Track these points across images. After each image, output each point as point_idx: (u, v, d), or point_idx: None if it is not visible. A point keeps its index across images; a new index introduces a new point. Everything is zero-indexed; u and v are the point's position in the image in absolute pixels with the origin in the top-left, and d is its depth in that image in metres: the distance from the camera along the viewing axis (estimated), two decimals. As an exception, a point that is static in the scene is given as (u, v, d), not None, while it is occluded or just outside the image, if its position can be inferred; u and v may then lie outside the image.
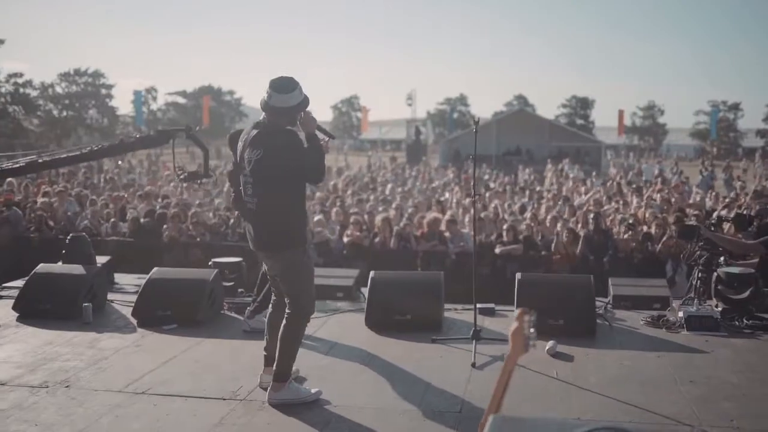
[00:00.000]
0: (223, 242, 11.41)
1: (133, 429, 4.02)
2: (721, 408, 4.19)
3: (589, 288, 5.89)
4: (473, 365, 4.97)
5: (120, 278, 8.05)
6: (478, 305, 6.42)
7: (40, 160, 6.14)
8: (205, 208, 13.46)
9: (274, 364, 4.38)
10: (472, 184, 6.80)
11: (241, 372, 4.91)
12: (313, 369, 4.98)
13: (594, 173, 26.14)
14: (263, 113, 4.35)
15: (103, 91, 58.60)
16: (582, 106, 70.18)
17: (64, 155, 6.31)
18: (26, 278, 6.87)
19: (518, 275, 6.09)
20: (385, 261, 10.32)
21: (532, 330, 2.37)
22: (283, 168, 4.19)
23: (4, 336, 5.87)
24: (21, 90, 50.12)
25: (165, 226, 11.77)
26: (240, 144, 4.44)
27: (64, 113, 56.67)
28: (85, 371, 4.98)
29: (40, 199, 14.22)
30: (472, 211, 12.99)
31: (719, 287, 6.14)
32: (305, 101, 4.32)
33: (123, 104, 77.53)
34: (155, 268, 6.72)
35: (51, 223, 12.60)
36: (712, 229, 6.81)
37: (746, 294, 6.00)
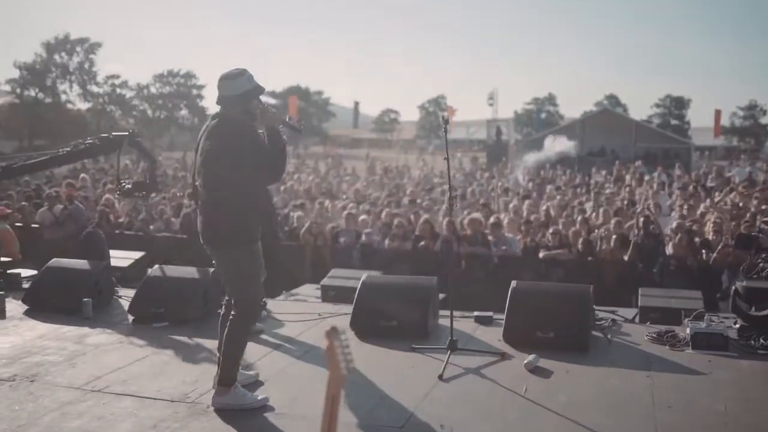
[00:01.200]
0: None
1: (70, 427, 3.99)
2: (691, 438, 3.77)
3: (587, 298, 5.48)
4: (440, 377, 4.70)
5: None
6: (476, 313, 6.18)
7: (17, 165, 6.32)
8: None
9: (219, 370, 4.27)
10: (448, 187, 6.49)
11: (204, 374, 4.82)
12: (276, 374, 4.86)
13: (675, 175, 24.83)
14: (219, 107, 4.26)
15: (194, 91, 60.59)
16: (677, 105, 67.21)
17: (17, 165, 6.47)
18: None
19: (513, 283, 5.74)
20: (427, 264, 10.10)
21: (347, 350, 2.12)
22: (230, 161, 4.06)
23: (5, 328, 6.03)
24: (118, 91, 52.56)
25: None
26: (199, 135, 4.35)
27: (158, 113, 58.94)
28: (57, 366, 5.02)
29: (105, 196, 14.79)
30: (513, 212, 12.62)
31: (738, 302, 5.59)
32: (256, 90, 4.20)
33: (213, 104, 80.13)
34: (155, 266, 6.76)
35: (112, 217, 13.05)
36: None
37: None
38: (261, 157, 4.06)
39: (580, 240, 10.84)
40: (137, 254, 8.80)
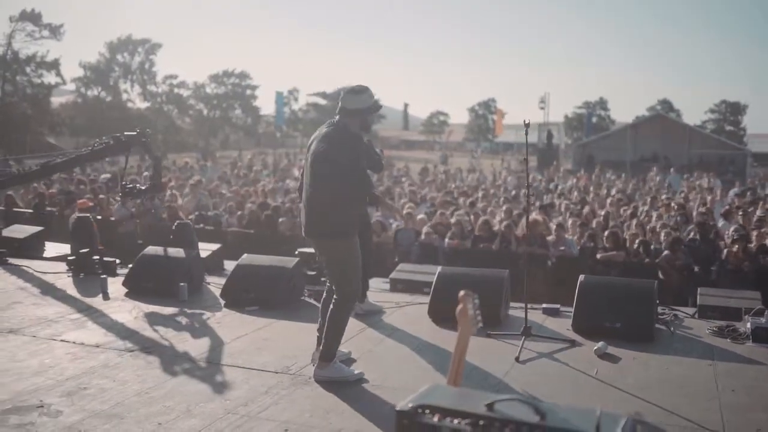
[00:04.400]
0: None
1: (192, 390, 4.53)
2: (752, 417, 4.12)
3: (651, 293, 5.85)
4: (517, 359, 5.13)
5: (230, 265, 8.75)
6: (545, 305, 6.59)
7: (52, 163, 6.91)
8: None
9: (321, 346, 4.77)
10: (526, 185, 6.93)
11: (300, 351, 5.33)
12: (365, 353, 5.34)
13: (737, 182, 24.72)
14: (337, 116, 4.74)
15: (248, 91, 61.81)
16: (732, 111, 65.99)
17: (36, 169, 7.01)
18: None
19: (581, 277, 6.13)
20: (484, 263, 10.48)
21: (477, 311, 2.58)
22: (339, 164, 4.53)
23: (111, 308, 6.65)
24: (175, 90, 54.05)
25: (281, 220, 12.56)
26: (311, 138, 4.86)
27: (213, 113, 60.31)
28: (168, 341, 5.61)
29: (168, 193, 15.59)
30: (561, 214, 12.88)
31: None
32: (375, 105, 4.72)
33: (266, 104, 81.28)
34: (245, 255, 7.31)
35: (181, 213, 13.77)
36: None
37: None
38: (365, 164, 4.67)
39: (637, 241, 11.12)
40: (214, 246, 9.39)
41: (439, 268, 6.62)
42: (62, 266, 8.20)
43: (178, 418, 4.09)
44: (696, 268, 10.23)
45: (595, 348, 5.29)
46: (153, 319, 6.27)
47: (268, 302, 6.59)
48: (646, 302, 5.78)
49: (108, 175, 18.56)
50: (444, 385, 2.57)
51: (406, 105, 55.40)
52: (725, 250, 10.57)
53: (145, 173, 18.03)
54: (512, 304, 6.58)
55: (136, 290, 7.14)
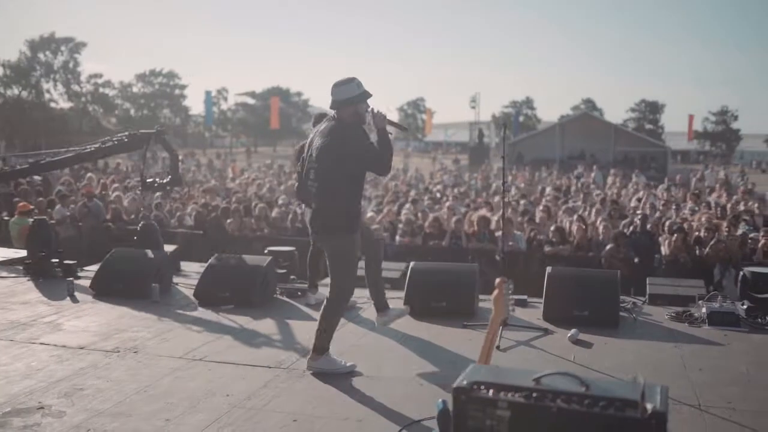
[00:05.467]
0: (282, 236, 12.07)
1: (190, 387, 4.60)
2: (723, 392, 4.49)
3: (615, 282, 6.23)
4: (498, 348, 5.39)
5: (185, 266, 8.77)
6: (513, 297, 6.88)
7: (42, 162, 6.85)
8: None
9: (314, 338, 4.91)
10: (501, 182, 7.23)
11: (287, 346, 5.47)
12: (351, 347, 5.50)
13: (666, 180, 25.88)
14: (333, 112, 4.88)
15: (177, 91, 60.73)
16: (651, 110, 68.87)
17: (47, 160, 7.00)
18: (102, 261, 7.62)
19: (549, 269, 6.46)
20: (436, 259, 10.77)
21: (511, 296, 2.79)
22: (343, 158, 4.66)
23: (82, 310, 6.59)
24: (100, 90, 52.58)
25: (229, 220, 12.54)
26: (311, 134, 4.99)
27: (140, 113, 58.98)
28: (151, 341, 5.62)
29: (113, 194, 15.31)
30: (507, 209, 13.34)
31: (745, 287, 6.37)
32: (364, 94, 4.80)
33: (195, 104, 79.91)
34: (215, 255, 7.35)
35: (124, 215, 13.56)
36: None
37: (772, 293, 6.22)
38: (369, 156, 4.69)
39: (579, 237, 11.65)
40: (171, 247, 9.36)
41: (411, 264, 6.83)
42: (16, 270, 8.06)
43: (185, 413, 4.16)
44: (636, 260, 10.81)
45: (569, 335, 5.61)
46: (130, 320, 6.25)
47: (244, 301, 6.67)
48: (610, 291, 6.16)
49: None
50: (485, 365, 2.77)
51: (337, 104, 55.51)
52: (665, 242, 11.21)
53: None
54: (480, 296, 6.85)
55: (105, 292, 7.08)
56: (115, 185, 17.25)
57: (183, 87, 61.77)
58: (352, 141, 4.67)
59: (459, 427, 2.37)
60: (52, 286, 7.43)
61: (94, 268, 8.31)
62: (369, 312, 6.58)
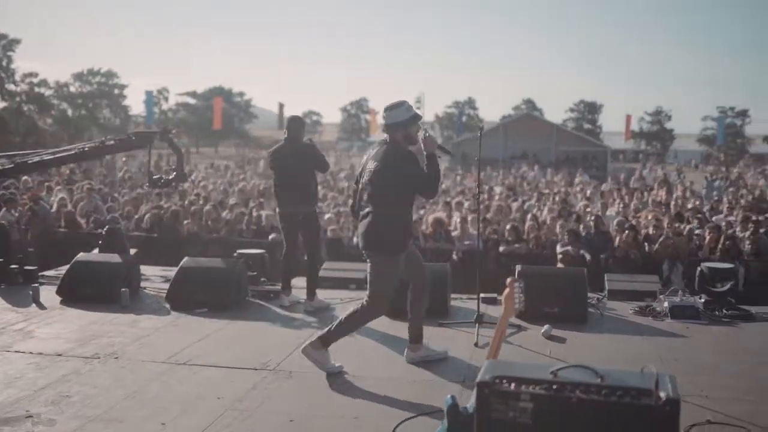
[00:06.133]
0: (239, 238, 12.03)
1: (179, 391, 4.61)
2: (695, 381, 4.74)
3: (583, 280, 6.47)
4: (476, 345, 5.56)
5: (145, 270, 8.67)
6: (482, 295, 7.07)
7: (29, 161, 6.75)
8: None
9: (326, 329, 5.00)
10: (477, 185, 7.42)
11: (269, 348, 5.51)
12: (337, 347, 5.56)
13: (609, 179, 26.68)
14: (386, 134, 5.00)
15: (116, 90, 59.40)
16: (590, 110, 70.69)
17: (50, 157, 6.91)
18: (67, 266, 7.48)
19: (518, 267, 6.66)
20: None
21: (521, 294, 2.94)
22: (393, 182, 4.81)
23: (51, 317, 6.48)
24: (36, 89, 50.99)
25: (186, 222, 12.43)
26: (365, 157, 5.13)
27: (78, 113, 57.47)
28: (130, 346, 5.59)
29: (59, 195, 14.96)
30: (474, 210, 13.60)
31: (702, 281, 6.71)
32: (414, 118, 4.93)
33: (135, 104, 78.30)
34: (186, 258, 7.31)
35: (78, 219, 13.28)
36: None
37: (727, 287, 6.57)
38: (418, 180, 4.81)
39: (534, 235, 11.99)
40: (131, 250, 9.25)
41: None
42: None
43: (179, 417, 4.18)
44: (588, 257, 11.17)
45: (542, 331, 5.82)
46: (103, 325, 6.18)
47: (219, 304, 6.66)
48: (579, 288, 6.39)
49: None
50: (501, 360, 2.91)
51: (281, 105, 55.07)
52: (616, 239, 11.62)
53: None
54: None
55: (72, 298, 6.97)
56: (59, 188, 16.89)
57: (122, 87, 60.51)
58: (403, 166, 4.80)
59: (482, 419, 2.50)
60: (15, 292, 7.28)
61: (52, 273, 8.20)
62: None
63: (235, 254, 7.75)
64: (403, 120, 4.86)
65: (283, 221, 6.97)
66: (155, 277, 8.12)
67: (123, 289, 6.87)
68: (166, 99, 67.32)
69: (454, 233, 12.22)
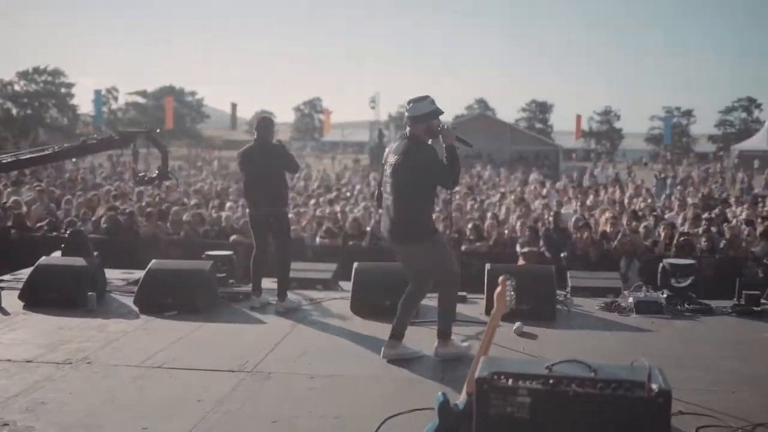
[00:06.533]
0: (199, 239, 11.90)
1: (157, 395, 4.56)
2: (672, 376, 4.89)
3: (551, 277, 6.61)
4: (463, 341, 5.62)
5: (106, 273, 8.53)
6: (512, 293, 7.18)
7: (3, 162, 6.60)
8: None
9: (438, 326, 5.31)
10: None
11: (244, 350, 5.48)
12: (308, 348, 5.59)
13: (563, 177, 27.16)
14: (407, 127, 5.17)
15: (63, 89, 58.01)
16: (541, 110, 71.83)
17: (28, 156, 6.78)
18: (27, 270, 7.32)
19: (488, 266, 6.76)
20: (357, 259, 10.92)
21: (512, 293, 3.02)
22: (414, 173, 4.98)
23: (15, 322, 6.34)
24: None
25: (145, 223, 12.24)
26: (387, 150, 5.30)
27: (23, 112, 55.95)
28: (101, 350, 5.50)
29: (11, 198, 14.57)
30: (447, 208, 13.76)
31: (665, 277, 6.92)
32: (436, 111, 5.09)
33: (84, 103, 76.77)
34: (153, 260, 7.21)
35: (28, 222, 12.96)
36: None
37: (687, 282, 6.79)
38: (438, 171, 4.98)
39: (495, 233, 12.16)
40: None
41: (355, 264, 6.97)
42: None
43: (159, 421, 4.14)
44: (548, 255, 11.39)
45: (514, 328, 5.93)
46: (71, 330, 6.07)
47: (189, 306, 6.60)
48: (547, 285, 6.53)
49: None
50: (497, 356, 2.97)
51: (234, 105, 54.47)
52: (574, 237, 11.87)
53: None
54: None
55: (35, 302, 6.81)
56: (9, 190, 16.47)
57: (70, 86, 59.09)
58: (424, 158, 4.97)
59: (482, 415, 2.56)
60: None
61: (9, 277, 8.02)
62: (316, 314, 6.69)
63: (203, 256, 7.68)
64: (426, 113, 5.04)
65: (254, 222, 6.95)
66: (115, 280, 7.98)
67: (90, 293, 6.75)
68: (116, 98, 66.03)
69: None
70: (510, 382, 2.56)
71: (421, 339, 5.70)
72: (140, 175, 6.47)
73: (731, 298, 6.86)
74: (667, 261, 7.02)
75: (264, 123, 7.04)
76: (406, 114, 5.13)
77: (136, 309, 6.74)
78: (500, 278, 3.07)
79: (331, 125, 67.67)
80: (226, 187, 19.29)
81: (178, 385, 4.77)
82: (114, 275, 8.32)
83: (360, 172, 30.15)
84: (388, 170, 5.14)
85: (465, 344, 5.44)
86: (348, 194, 18.58)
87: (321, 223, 12.65)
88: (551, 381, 2.54)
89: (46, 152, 6.76)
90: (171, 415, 4.23)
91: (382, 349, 5.29)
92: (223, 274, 7.43)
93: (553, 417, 2.52)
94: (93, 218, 13.04)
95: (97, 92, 51.98)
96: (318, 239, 12.17)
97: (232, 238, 11.37)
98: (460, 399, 3.18)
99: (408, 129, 5.14)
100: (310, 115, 79.24)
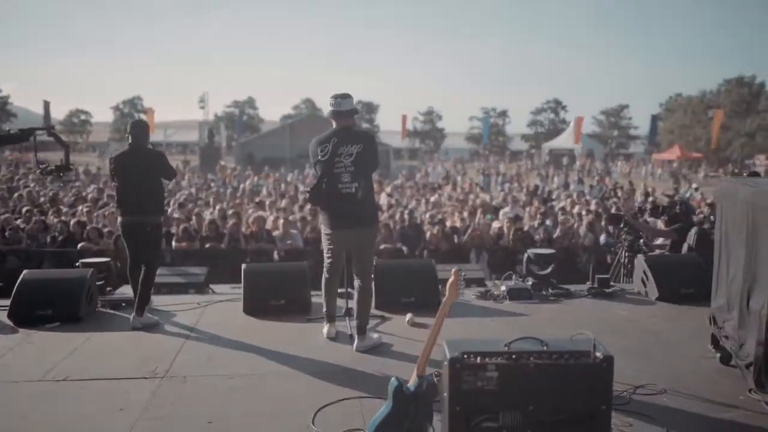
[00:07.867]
0: (42, 248, 11.26)
1: (75, 409, 4.41)
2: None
3: (433, 270, 7.08)
4: (351, 336, 5.90)
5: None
6: (339, 290, 7.44)
7: None
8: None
9: (356, 324, 5.64)
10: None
11: (147, 356, 5.42)
12: (217, 350, 5.63)
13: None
14: (333, 120, 5.64)
15: None
16: (367, 110, 73.59)
17: None
18: None
19: (374, 261, 7.09)
20: (216, 261, 10.85)
21: (462, 282, 3.37)
22: (374, 158, 5.59)
23: None
24: None
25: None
26: (325, 144, 5.59)
27: None
28: (-9, 368, 5.20)
29: None
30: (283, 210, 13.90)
31: (529, 266, 7.65)
32: (356, 108, 5.77)
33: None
34: (25, 271, 6.82)
35: None
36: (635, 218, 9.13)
37: (549, 270, 7.57)
38: (377, 160, 5.68)
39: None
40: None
41: (243, 266, 7.01)
42: None
43: (88, 433, 4.07)
44: (405, 250, 11.99)
45: (407, 319, 6.33)
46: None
47: (71, 316, 6.35)
48: (430, 278, 6.98)
49: None
50: (461, 339, 3.30)
51: (47, 103, 50.52)
52: (427, 232, 12.57)
53: None
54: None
55: None
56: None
57: None
58: (375, 145, 5.64)
59: (454, 390, 2.89)
60: None
61: None
62: (207, 319, 6.67)
63: (78, 264, 7.36)
64: (354, 108, 5.63)
65: (127, 231, 6.50)
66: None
67: (-44, 309, 6.29)
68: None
69: (275, 233, 12.42)
70: (479, 359, 2.91)
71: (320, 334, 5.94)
72: (42, 166, 6.15)
73: (570, 283, 7.76)
74: (531, 251, 7.76)
75: (139, 126, 6.64)
76: (335, 108, 5.56)
77: (10, 323, 6.36)
78: (453, 269, 3.40)
79: (154, 125, 64.94)
80: (56, 192, 18.11)
81: (92, 396, 4.65)
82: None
83: (196, 173, 29.31)
84: (346, 160, 5.48)
85: (375, 336, 5.79)
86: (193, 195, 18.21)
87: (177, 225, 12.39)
88: (513, 356, 2.92)
89: None
90: (97, 427, 4.16)
91: (354, 343, 5.64)
92: (101, 282, 7.19)
93: (517, 386, 2.90)
94: None
95: None
96: (174, 243, 11.92)
97: (81, 245, 10.88)
98: (410, 382, 3.48)
99: (339, 121, 5.58)
100: (131, 114, 75.51)
